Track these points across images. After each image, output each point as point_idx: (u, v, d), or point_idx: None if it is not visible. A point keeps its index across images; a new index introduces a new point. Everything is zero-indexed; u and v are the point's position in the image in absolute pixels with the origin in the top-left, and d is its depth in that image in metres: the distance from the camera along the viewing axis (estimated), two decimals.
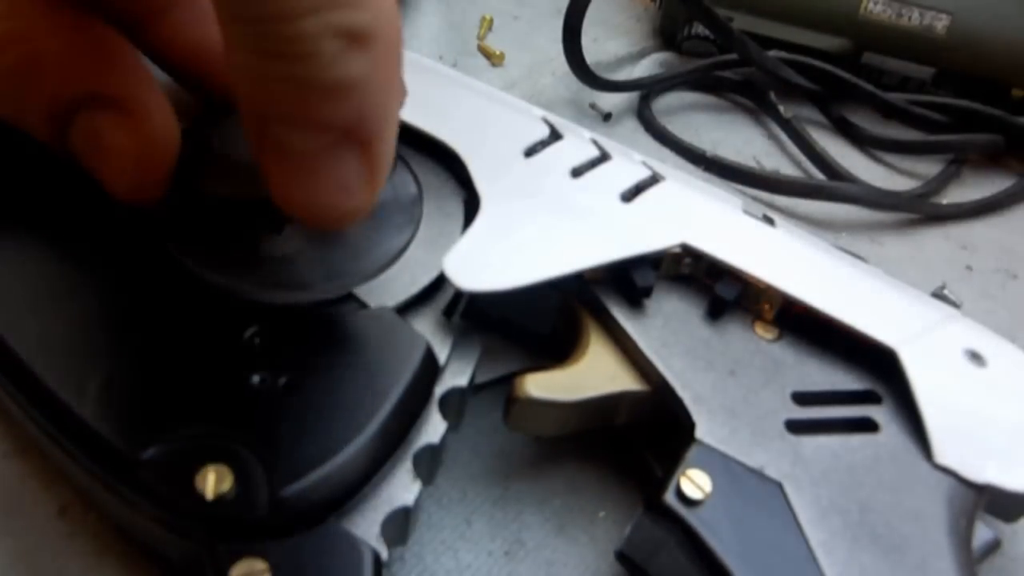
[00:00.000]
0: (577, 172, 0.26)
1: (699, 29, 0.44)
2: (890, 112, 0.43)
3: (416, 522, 0.22)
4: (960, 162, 0.41)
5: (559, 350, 0.25)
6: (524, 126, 0.27)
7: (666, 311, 0.25)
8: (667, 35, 0.46)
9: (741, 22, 0.43)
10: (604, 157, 0.27)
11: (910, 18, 0.42)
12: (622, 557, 0.23)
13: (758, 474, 0.22)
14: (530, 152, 0.26)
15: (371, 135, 0.18)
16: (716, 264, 0.25)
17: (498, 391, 0.25)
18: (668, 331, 0.24)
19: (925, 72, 0.43)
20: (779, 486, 0.22)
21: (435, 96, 0.27)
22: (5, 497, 0.23)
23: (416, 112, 0.26)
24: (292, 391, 0.20)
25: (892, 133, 0.42)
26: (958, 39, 0.42)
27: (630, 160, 0.27)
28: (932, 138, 0.42)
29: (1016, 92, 0.42)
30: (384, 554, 0.20)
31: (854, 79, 0.41)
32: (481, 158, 0.25)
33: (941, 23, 0.42)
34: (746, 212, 0.27)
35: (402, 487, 0.21)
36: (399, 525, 0.21)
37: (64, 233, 0.22)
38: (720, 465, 0.22)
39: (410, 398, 0.21)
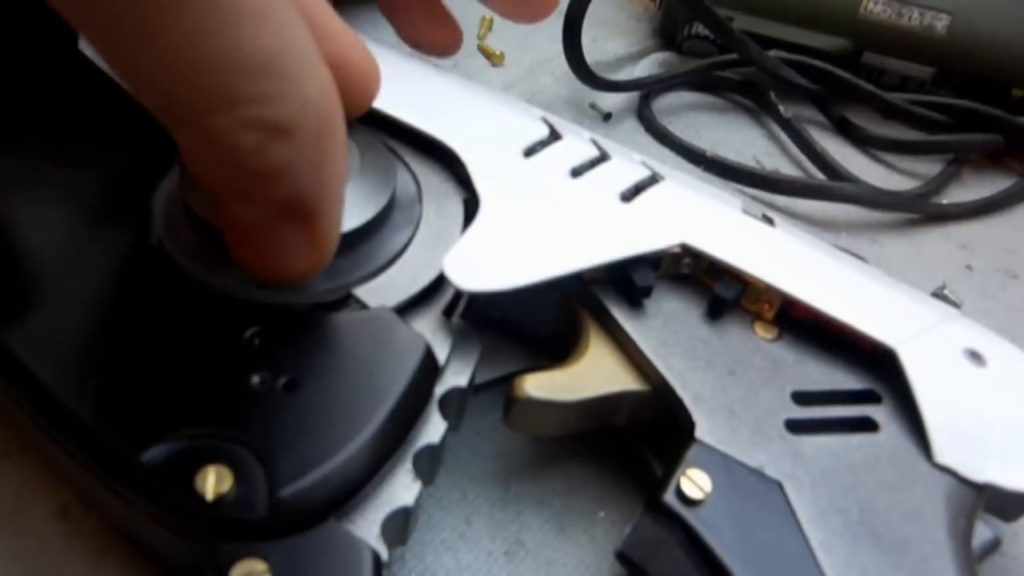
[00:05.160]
0: (576, 172, 0.26)
1: (699, 29, 0.44)
2: (890, 112, 0.43)
3: (416, 522, 0.22)
4: (960, 162, 0.41)
5: (559, 350, 0.25)
6: (523, 126, 0.27)
7: (666, 311, 0.25)
8: (667, 35, 0.46)
9: (741, 22, 0.43)
10: (603, 157, 0.27)
11: (910, 18, 0.42)
12: (622, 557, 0.23)
13: (758, 474, 0.22)
14: (529, 152, 0.26)
15: (309, 211, 0.19)
16: (716, 264, 0.25)
17: (498, 391, 0.25)
18: (668, 331, 0.24)
19: (925, 72, 0.43)
20: (779, 485, 0.22)
21: (435, 96, 0.27)
22: (5, 497, 0.23)
23: (416, 112, 0.26)
24: (292, 391, 0.20)
25: (892, 133, 0.42)
26: (958, 39, 0.42)
27: (630, 160, 0.27)
28: (932, 138, 0.42)
29: (1016, 92, 0.42)
30: (384, 554, 0.20)
31: (854, 79, 0.41)
32: (480, 158, 0.25)
33: (941, 23, 0.42)
34: (745, 212, 0.27)
35: (402, 487, 0.21)
36: (399, 525, 0.21)
37: (64, 233, 0.22)
38: (720, 465, 0.22)
39: (410, 398, 0.21)
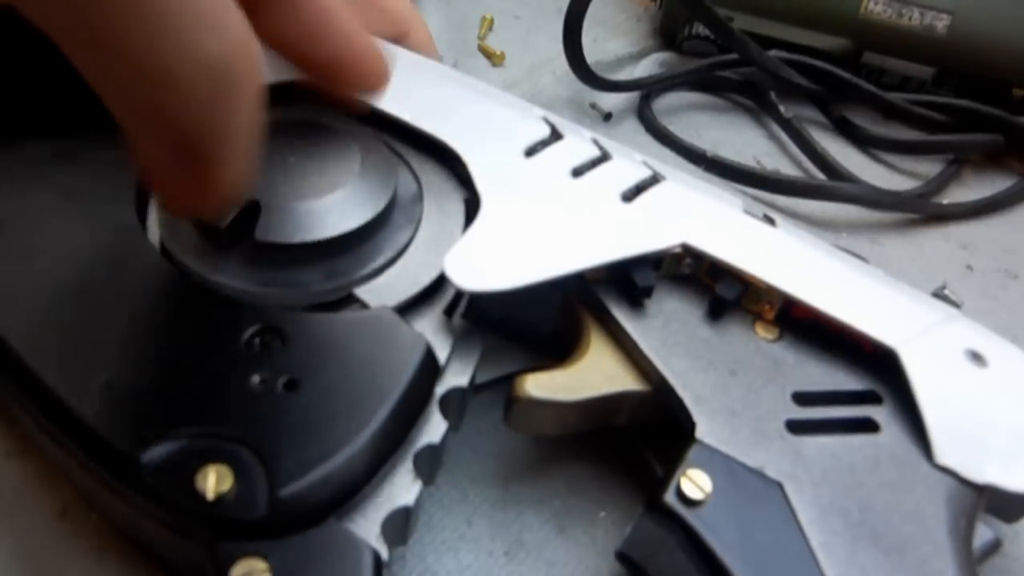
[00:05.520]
0: (578, 172, 0.26)
1: (699, 29, 0.44)
2: (890, 112, 0.43)
3: (417, 522, 0.22)
4: (960, 162, 0.41)
5: (560, 350, 0.25)
6: (525, 126, 0.27)
7: (667, 311, 0.25)
8: (667, 35, 0.46)
9: (741, 22, 0.43)
10: (604, 157, 0.27)
11: (910, 18, 0.42)
12: (622, 557, 0.23)
13: (758, 474, 0.22)
14: (531, 152, 0.26)
15: (202, 157, 0.19)
16: (717, 264, 0.25)
17: (498, 391, 0.25)
18: (668, 331, 0.24)
19: (925, 72, 0.43)
20: (779, 486, 0.22)
21: (435, 96, 0.27)
22: (6, 497, 0.23)
23: (417, 112, 0.26)
24: (292, 391, 0.20)
25: (892, 133, 0.42)
26: (958, 39, 0.42)
27: (631, 160, 0.27)
28: (932, 138, 0.42)
29: (1016, 92, 0.42)
30: (384, 554, 0.20)
31: (854, 79, 0.41)
32: (482, 158, 0.25)
33: (941, 23, 0.42)
34: (746, 212, 0.27)
35: (403, 487, 0.21)
36: (399, 525, 0.21)
37: (65, 232, 0.22)
38: (720, 465, 0.22)
39: (410, 398, 0.21)
